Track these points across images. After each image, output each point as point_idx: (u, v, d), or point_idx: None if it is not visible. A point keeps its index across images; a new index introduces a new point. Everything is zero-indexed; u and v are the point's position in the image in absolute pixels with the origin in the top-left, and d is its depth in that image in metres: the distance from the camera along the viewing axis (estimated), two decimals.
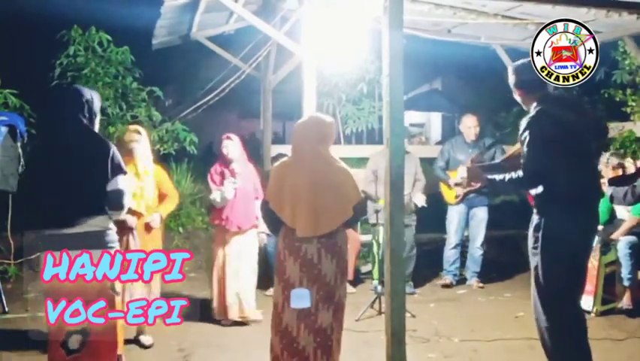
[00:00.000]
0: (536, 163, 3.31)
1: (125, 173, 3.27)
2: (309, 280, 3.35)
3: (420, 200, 6.13)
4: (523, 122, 3.41)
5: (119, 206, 3.22)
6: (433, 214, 6.66)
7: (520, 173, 3.36)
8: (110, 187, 3.16)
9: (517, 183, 3.43)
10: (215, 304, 5.13)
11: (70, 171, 3.14)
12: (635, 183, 4.56)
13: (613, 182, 4.77)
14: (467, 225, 6.52)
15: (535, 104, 3.47)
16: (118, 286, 3.27)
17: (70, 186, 3.11)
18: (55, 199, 3.12)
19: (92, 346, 3.15)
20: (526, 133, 3.35)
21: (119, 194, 3.19)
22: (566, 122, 3.38)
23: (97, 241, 3.15)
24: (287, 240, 3.42)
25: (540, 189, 3.41)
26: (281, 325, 3.40)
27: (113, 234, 3.27)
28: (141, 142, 4.47)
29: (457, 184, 6.28)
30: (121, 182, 3.21)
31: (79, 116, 3.23)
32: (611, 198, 4.93)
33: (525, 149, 3.35)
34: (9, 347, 4.40)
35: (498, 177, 3.52)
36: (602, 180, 4.27)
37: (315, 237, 3.35)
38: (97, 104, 3.35)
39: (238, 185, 5.00)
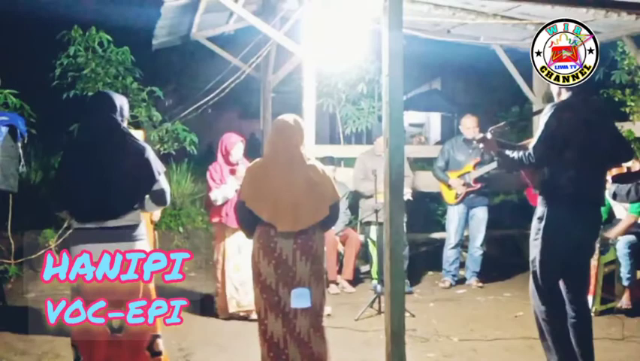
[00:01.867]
0: (546, 144, 3.41)
1: (164, 171, 3.48)
2: (285, 283, 3.30)
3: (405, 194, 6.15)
4: (549, 106, 3.52)
5: (164, 202, 3.46)
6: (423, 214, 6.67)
7: (527, 151, 3.46)
8: (156, 187, 3.37)
9: (524, 158, 3.49)
10: (217, 299, 5.24)
11: (110, 169, 3.30)
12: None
13: (617, 179, 4.77)
14: (467, 225, 6.54)
15: (567, 96, 3.55)
16: None
17: (109, 184, 3.28)
18: (94, 195, 3.27)
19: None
20: (548, 114, 3.45)
21: (163, 192, 3.41)
22: (587, 120, 3.47)
23: (129, 233, 3.33)
24: (262, 240, 3.36)
25: (546, 176, 3.48)
26: (266, 333, 3.33)
27: (143, 227, 3.44)
28: None
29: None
30: (164, 181, 3.43)
31: (115, 118, 3.43)
32: (614, 196, 4.93)
33: (541, 128, 3.45)
34: (9, 347, 4.41)
35: (507, 152, 3.60)
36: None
37: (293, 235, 3.30)
38: (126, 110, 3.57)
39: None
